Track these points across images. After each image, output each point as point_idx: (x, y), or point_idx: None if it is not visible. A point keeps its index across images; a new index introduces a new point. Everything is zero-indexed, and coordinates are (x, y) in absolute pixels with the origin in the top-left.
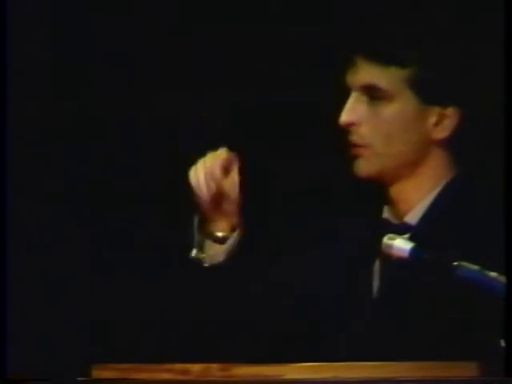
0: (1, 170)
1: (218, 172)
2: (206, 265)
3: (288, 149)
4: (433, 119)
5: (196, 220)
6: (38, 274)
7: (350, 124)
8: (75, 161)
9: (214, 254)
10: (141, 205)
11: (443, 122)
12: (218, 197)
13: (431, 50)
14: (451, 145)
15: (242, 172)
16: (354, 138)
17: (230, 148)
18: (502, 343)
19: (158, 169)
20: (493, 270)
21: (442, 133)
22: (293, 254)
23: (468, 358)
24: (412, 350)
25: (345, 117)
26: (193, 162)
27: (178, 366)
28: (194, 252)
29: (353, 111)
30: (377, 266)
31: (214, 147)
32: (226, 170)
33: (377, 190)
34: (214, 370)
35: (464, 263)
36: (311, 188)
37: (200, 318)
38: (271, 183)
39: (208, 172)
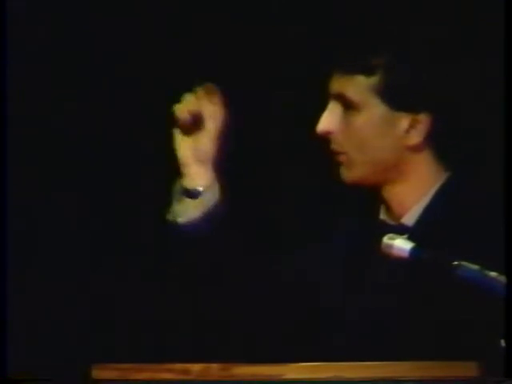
0: (1, 170)
1: (201, 99)
2: (179, 220)
3: (285, 149)
4: (404, 125)
5: (176, 184)
6: (38, 274)
7: (326, 133)
8: (75, 160)
9: (187, 208)
10: (142, 205)
11: (416, 128)
12: (197, 134)
13: (396, 56)
14: (437, 148)
15: (224, 124)
16: (334, 145)
17: None
18: (502, 343)
19: (159, 168)
20: (490, 271)
21: (415, 138)
22: (292, 255)
23: (468, 358)
24: (412, 349)
25: (320, 126)
26: None
27: (178, 366)
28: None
29: (327, 120)
30: (376, 266)
31: None
32: (209, 101)
33: (372, 193)
34: (214, 369)
35: (464, 263)
36: (309, 188)
37: (200, 318)
38: (270, 180)
39: (192, 98)
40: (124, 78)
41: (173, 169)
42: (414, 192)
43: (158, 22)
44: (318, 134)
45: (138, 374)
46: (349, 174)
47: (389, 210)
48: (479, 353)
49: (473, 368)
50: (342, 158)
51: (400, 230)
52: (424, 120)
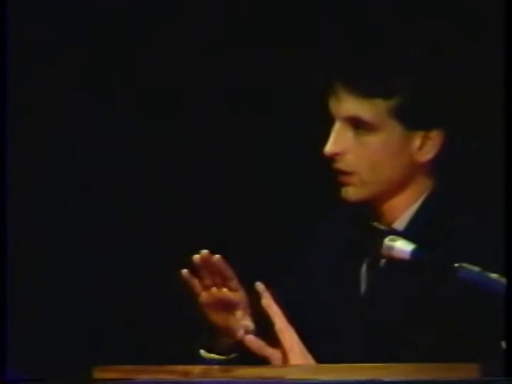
0: (1, 170)
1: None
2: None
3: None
4: (417, 143)
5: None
6: (38, 275)
7: (335, 154)
8: (75, 165)
9: (221, 356)
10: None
11: (427, 144)
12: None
13: (413, 79)
14: (436, 161)
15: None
16: (340, 165)
17: None
18: (503, 344)
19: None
20: (491, 272)
21: (426, 155)
22: (291, 257)
23: (469, 359)
24: (413, 351)
25: (329, 148)
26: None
27: (179, 368)
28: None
29: (337, 142)
30: (376, 268)
31: None
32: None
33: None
34: (215, 371)
35: (465, 265)
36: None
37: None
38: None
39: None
40: (126, 77)
41: None
42: (407, 200)
43: (159, 22)
44: (326, 156)
45: (140, 376)
46: (354, 194)
47: (381, 219)
48: (480, 354)
49: (473, 369)
50: (348, 178)
51: (391, 234)
52: (435, 137)
